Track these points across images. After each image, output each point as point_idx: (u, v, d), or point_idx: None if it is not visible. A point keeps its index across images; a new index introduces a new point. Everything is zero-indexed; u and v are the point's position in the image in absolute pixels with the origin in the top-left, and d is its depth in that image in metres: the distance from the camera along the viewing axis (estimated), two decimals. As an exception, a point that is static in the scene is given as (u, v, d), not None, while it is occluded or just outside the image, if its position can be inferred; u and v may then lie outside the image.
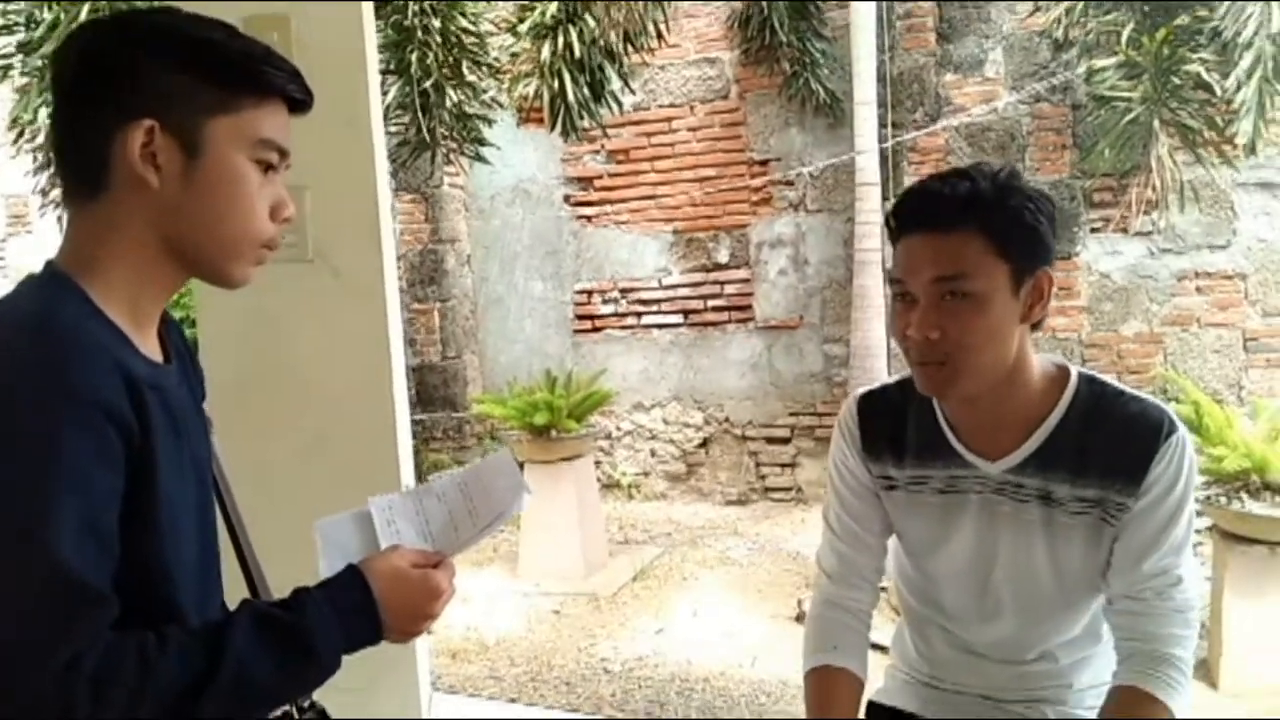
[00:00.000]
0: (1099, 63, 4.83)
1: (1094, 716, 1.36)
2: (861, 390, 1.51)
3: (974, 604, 1.39)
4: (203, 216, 0.94)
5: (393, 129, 4.40)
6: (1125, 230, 5.32)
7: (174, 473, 0.92)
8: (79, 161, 0.95)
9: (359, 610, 0.94)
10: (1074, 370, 1.34)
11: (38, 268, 0.97)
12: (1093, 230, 5.40)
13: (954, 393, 1.29)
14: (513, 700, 3.61)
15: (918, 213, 1.27)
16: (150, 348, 0.98)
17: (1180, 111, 4.58)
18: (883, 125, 5.53)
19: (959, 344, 1.23)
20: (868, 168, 5.41)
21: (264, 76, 0.96)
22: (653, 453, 6.46)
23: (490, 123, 4.93)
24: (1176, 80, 4.57)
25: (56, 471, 0.80)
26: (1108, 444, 1.28)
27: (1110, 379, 1.35)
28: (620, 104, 5.01)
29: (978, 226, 1.21)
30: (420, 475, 2.55)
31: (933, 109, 5.63)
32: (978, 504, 1.36)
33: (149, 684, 0.81)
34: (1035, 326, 1.30)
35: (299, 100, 0.99)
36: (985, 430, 1.34)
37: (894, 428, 1.42)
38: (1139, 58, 4.59)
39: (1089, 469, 1.28)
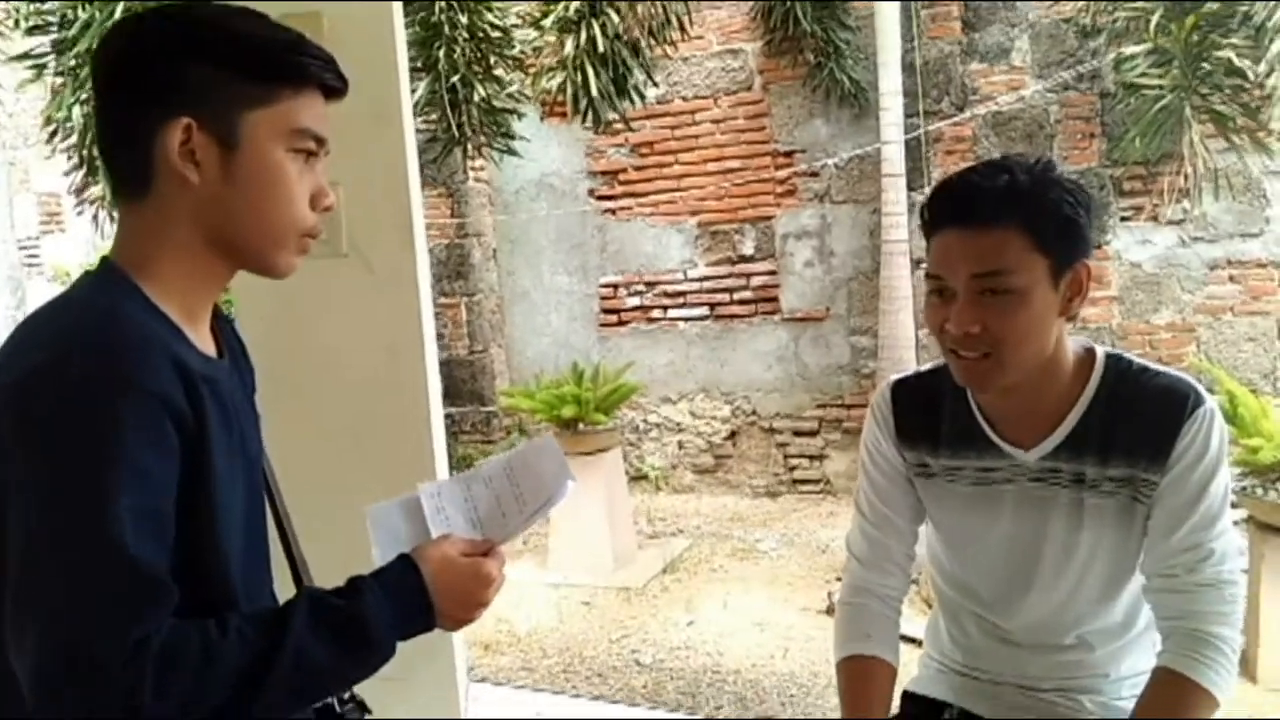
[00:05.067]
0: (1128, 50, 4.78)
1: (1129, 708, 1.35)
2: (896, 376, 1.51)
3: (1010, 590, 1.39)
4: (244, 209, 0.96)
5: (422, 126, 4.42)
6: (1156, 219, 5.26)
7: (225, 463, 0.94)
8: (123, 162, 0.96)
9: (412, 598, 0.96)
10: (1100, 350, 1.34)
11: (71, 265, 0.99)
12: (1123, 219, 5.35)
13: (994, 385, 1.29)
14: (551, 691, 3.64)
15: (955, 207, 1.25)
16: (204, 341, 1.00)
17: (1212, 98, 4.52)
18: (908, 115, 5.50)
19: (1000, 338, 1.23)
20: (893, 158, 5.38)
21: (297, 66, 0.96)
22: (680, 445, 6.47)
23: (519, 116, 4.94)
24: (1207, 66, 4.51)
25: (117, 462, 0.82)
26: (1134, 421, 1.28)
27: (1136, 356, 1.35)
28: (643, 96, 5.01)
29: (1017, 221, 1.20)
30: (452, 468, 2.58)
31: (959, 98, 5.59)
32: (1015, 493, 1.36)
33: (211, 668, 0.83)
34: (1073, 318, 1.30)
35: (334, 87, 1.00)
36: (1019, 419, 1.34)
37: (928, 415, 1.42)
38: (1168, 44, 4.54)
39: (1117, 447, 1.28)
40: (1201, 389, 1.29)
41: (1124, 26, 4.95)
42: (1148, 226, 5.31)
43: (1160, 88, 4.56)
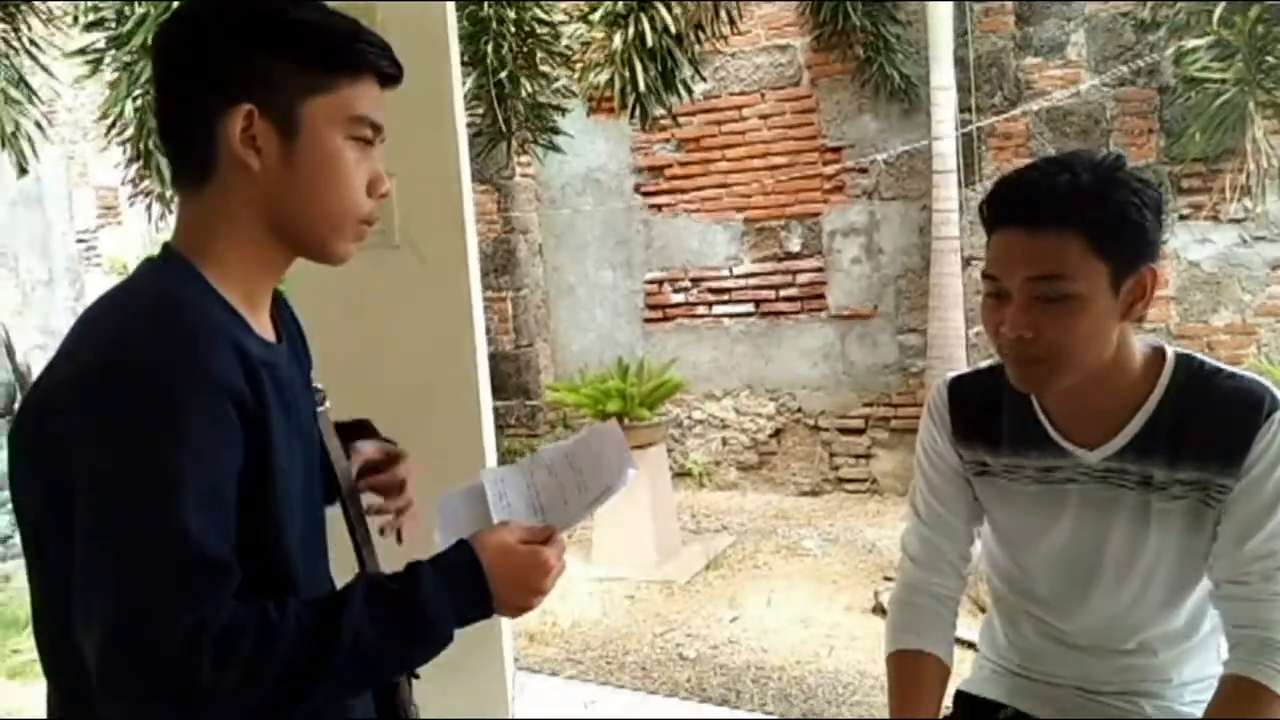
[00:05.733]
0: (1189, 43, 4.67)
1: (1192, 713, 1.32)
2: (953, 374, 1.48)
3: (1070, 592, 1.36)
4: (303, 196, 0.96)
5: (468, 120, 4.44)
6: (1216, 217, 5.14)
7: (285, 448, 0.94)
8: (184, 149, 0.97)
9: (470, 584, 0.96)
10: (1170, 351, 1.30)
11: (128, 257, 1.00)
12: (1181, 218, 5.22)
13: (1048, 389, 1.28)
14: (595, 683, 3.65)
15: (1013, 206, 1.22)
16: (263, 326, 1.01)
17: (1276, 92, 4.41)
18: (961, 110, 5.42)
19: (1053, 345, 1.20)
20: (945, 154, 5.31)
21: (356, 54, 0.97)
22: (724, 442, 6.44)
23: (564, 112, 4.95)
24: (1272, 60, 4.40)
25: (182, 448, 0.83)
26: (1206, 424, 1.24)
27: (1207, 357, 1.31)
28: (690, 92, 4.99)
29: (1077, 225, 1.16)
30: (499, 461, 2.60)
31: (1012, 93, 5.50)
32: (1078, 494, 1.33)
33: (270, 652, 0.83)
34: (1140, 319, 1.26)
35: (389, 74, 1.01)
36: (1083, 419, 1.31)
37: (988, 414, 1.39)
38: (1231, 37, 4.43)
39: (1187, 450, 1.25)
40: (1278, 392, 1.24)
41: (1184, 20, 4.84)
42: (1207, 225, 5.18)
43: (1222, 82, 4.46)
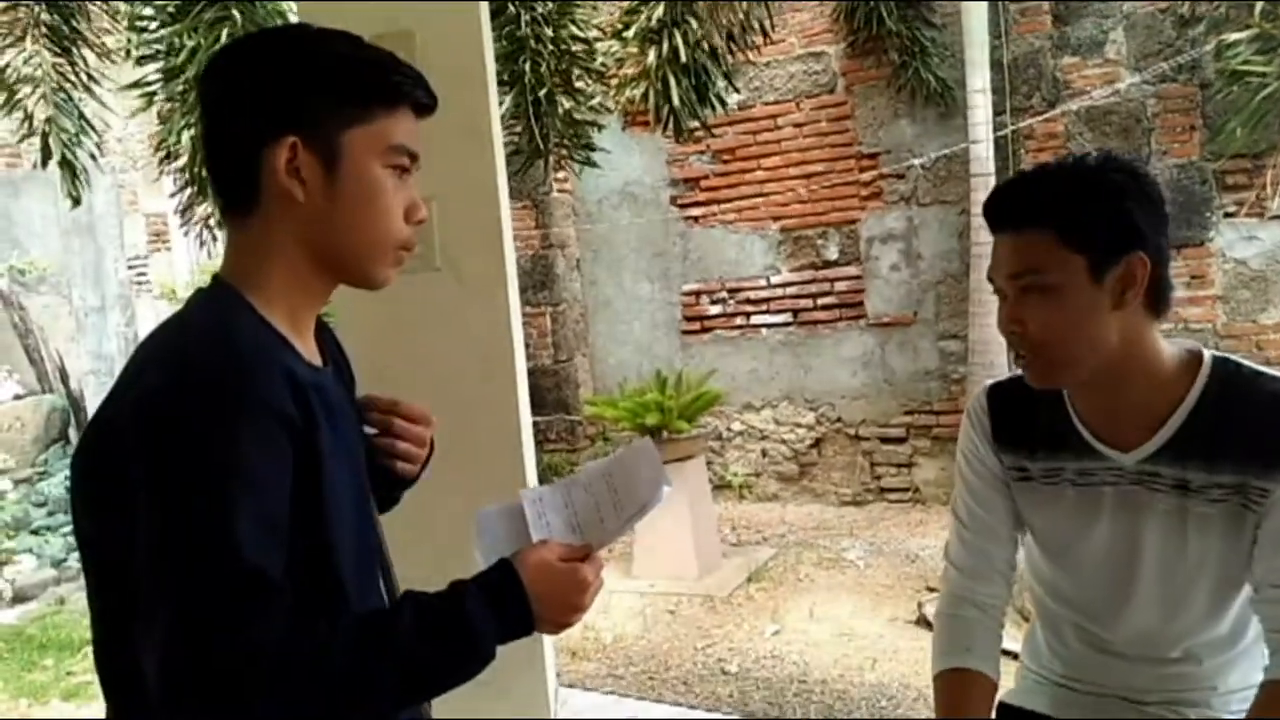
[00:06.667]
0: (1230, 37, 4.60)
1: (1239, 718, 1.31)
2: (991, 381, 1.50)
3: (1112, 599, 1.36)
4: (344, 225, 1.00)
5: (505, 138, 4.49)
6: (1262, 214, 5.04)
7: (334, 468, 0.97)
8: (231, 181, 1.01)
9: (512, 602, 0.98)
10: (1208, 354, 1.30)
11: (177, 283, 1.04)
12: (1226, 215, 5.14)
13: (1052, 384, 1.33)
14: (637, 698, 3.65)
15: (995, 213, 1.31)
16: (310, 352, 1.04)
17: (1321, 86, 4.32)
18: (998, 113, 5.37)
19: (1036, 337, 1.26)
20: (982, 157, 5.26)
21: (394, 86, 1.01)
22: (764, 453, 6.42)
23: (600, 128, 4.99)
24: (1316, 52, 4.32)
25: (237, 476, 0.86)
26: (1245, 426, 1.24)
27: (1245, 359, 1.31)
28: (724, 104, 5.01)
29: (1046, 223, 1.23)
30: (539, 477, 2.63)
31: (1050, 94, 5.45)
32: (1114, 497, 1.33)
33: (322, 670, 0.86)
34: (1159, 314, 1.26)
35: (425, 104, 1.04)
36: (1116, 421, 1.32)
37: (1026, 419, 1.40)
38: (1273, 30, 4.36)
39: (1225, 454, 1.24)
40: None
41: (1224, 14, 4.77)
42: (1252, 222, 5.09)
43: (1264, 75, 4.38)
